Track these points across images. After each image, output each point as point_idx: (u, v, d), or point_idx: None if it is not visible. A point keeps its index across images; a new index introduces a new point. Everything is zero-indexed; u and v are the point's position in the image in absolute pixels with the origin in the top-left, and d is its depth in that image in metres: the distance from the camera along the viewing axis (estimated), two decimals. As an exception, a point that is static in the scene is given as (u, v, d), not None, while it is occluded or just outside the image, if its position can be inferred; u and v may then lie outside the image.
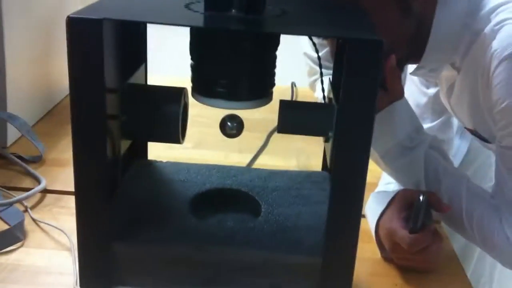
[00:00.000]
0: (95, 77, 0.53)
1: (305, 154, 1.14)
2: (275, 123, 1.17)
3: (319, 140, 1.17)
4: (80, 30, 0.51)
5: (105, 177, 0.56)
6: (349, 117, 0.51)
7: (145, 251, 0.59)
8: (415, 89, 1.03)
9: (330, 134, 0.58)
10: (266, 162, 1.03)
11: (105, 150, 0.55)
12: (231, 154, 1.10)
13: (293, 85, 1.42)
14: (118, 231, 0.59)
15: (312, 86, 1.35)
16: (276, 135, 1.23)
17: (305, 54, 1.32)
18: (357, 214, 0.54)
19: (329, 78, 0.67)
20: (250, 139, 1.16)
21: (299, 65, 1.38)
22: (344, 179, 0.53)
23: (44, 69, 1.19)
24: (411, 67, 0.92)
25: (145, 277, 0.60)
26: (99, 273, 0.58)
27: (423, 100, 1.02)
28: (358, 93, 0.51)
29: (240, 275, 0.60)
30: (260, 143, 1.15)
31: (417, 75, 0.92)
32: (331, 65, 1.30)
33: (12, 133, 1.06)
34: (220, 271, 0.60)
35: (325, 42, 1.23)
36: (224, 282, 0.60)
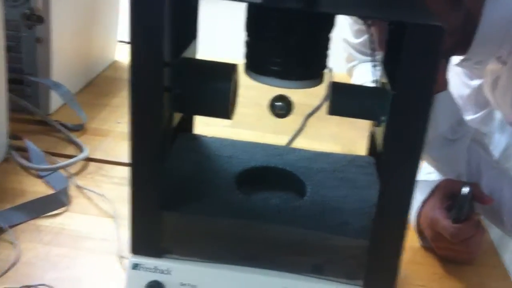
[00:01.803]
0: (155, 49, 0.54)
1: (341, 138, 1.15)
2: (312, 107, 1.19)
3: (354, 125, 1.18)
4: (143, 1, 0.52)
5: (159, 148, 0.57)
6: (407, 103, 0.52)
7: (192, 222, 0.61)
8: (458, 80, 1.02)
9: (383, 118, 0.58)
10: (303, 145, 1.04)
11: (161, 122, 0.56)
12: (267, 135, 1.11)
13: (330, 70, 1.42)
14: (167, 201, 0.60)
15: (350, 72, 1.35)
16: (312, 119, 1.24)
17: (345, 40, 1.31)
18: (408, 199, 0.55)
19: (382, 63, 0.67)
20: (286, 121, 1.16)
21: (336, 51, 1.38)
22: (397, 163, 0.54)
23: (86, 40, 1.20)
24: (455, 58, 0.92)
25: (191, 249, 0.61)
26: (149, 241, 0.60)
27: (466, 91, 1.02)
28: (417, 79, 0.51)
29: (284, 254, 0.61)
30: (296, 126, 1.16)
31: (462, 66, 0.92)
32: (368, 51, 1.30)
33: (55, 101, 1.08)
34: (263, 248, 0.61)
35: (364, 28, 1.23)
36: (266, 259, 0.61)
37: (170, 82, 0.59)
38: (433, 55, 0.51)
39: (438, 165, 0.87)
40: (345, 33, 1.30)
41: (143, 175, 0.58)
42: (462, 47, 0.84)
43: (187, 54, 0.66)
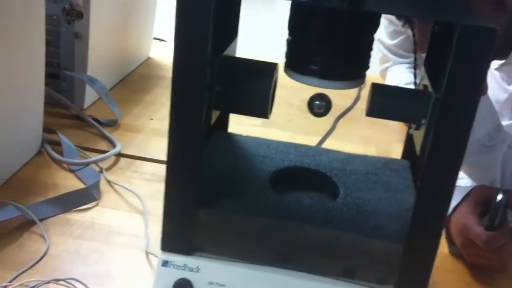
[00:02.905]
0: (199, 47, 0.53)
1: (373, 141, 1.13)
2: (343, 108, 1.17)
3: (386, 127, 1.16)
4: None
5: (197, 146, 0.57)
6: (452, 107, 0.50)
7: (225, 221, 0.60)
8: (495, 85, 1.00)
9: (423, 121, 0.57)
10: (333, 146, 1.03)
11: (201, 120, 0.56)
12: (298, 135, 1.10)
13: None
14: (201, 199, 0.60)
15: (383, 74, 1.33)
16: (343, 120, 1.23)
17: (379, 40, 1.30)
18: (446, 204, 0.53)
19: (423, 65, 0.66)
20: (316, 122, 1.15)
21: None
22: (437, 168, 0.52)
23: (123, 37, 1.21)
24: (495, 63, 0.90)
25: (221, 247, 0.61)
26: (181, 238, 0.59)
27: (504, 96, 0.99)
28: (465, 83, 0.49)
29: (315, 256, 0.60)
30: (326, 127, 1.15)
31: (502, 71, 0.90)
32: (404, 53, 1.28)
33: (89, 96, 1.09)
34: (294, 250, 0.60)
35: (402, 29, 1.21)
36: (298, 261, 0.60)
37: (211, 80, 0.58)
38: (484, 58, 0.49)
39: (471, 171, 0.84)
40: (380, 34, 1.29)
41: (180, 173, 0.57)
42: (503, 51, 0.82)
43: (228, 52, 0.65)
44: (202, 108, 0.55)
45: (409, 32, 1.03)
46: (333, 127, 1.18)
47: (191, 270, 0.59)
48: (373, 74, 1.42)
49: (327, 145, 1.06)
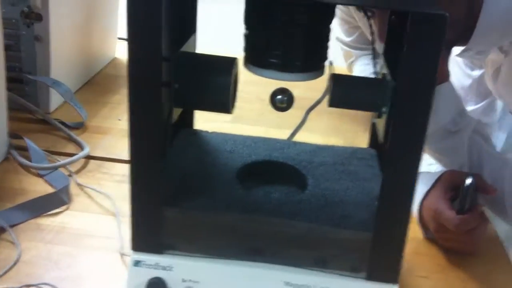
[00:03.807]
0: (152, 44, 0.53)
1: (343, 132, 1.14)
2: (313, 101, 1.18)
3: (356, 118, 1.17)
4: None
5: (159, 143, 0.57)
6: (408, 93, 0.51)
7: (194, 218, 0.60)
8: (459, 71, 1.02)
9: (384, 109, 0.58)
10: (305, 139, 1.04)
11: (160, 117, 0.56)
12: (270, 130, 1.10)
13: (331, 63, 1.42)
14: (168, 197, 0.60)
15: (349, 68, 1.35)
16: (313, 112, 1.24)
17: (337, 38, 1.31)
18: (411, 190, 0.54)
19: (382, 54, 0.67)
20: (287, 116, 1.16)
21: (335, 46, 1.37)
22: (400, 155, 0.53)
23: (86, 38, 1.20)
24: (457, 49, 0.91)
25: (193, 244, 0.61)
26: (150, 237, 0.59)
27: (467, 82, 1.01)
28: (419, 69, 0.50)
29: (286, 248, 0.60)
30: (297, 121, 1.15)
31: (463, 57, 0.91)
32: (364, 46, 1.29)
33: (55, 99, 1.08)
34: (265, 243, 0.61)
35: (356, 24, 1.23)
36: (269, 254, 0.60)
37: (169, 77, 0.58)
38: (436, 44, 0.50)
39: (439, 157, 0.86)
40: (337, 32, 1.30)
41: (143, 172, 0.57)
42: (463, 38, 0.83)
43: (186, 48, 0.65)
44: (160, 105, 0.55)
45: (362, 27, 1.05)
46: (304, 120, 1.19)
47: (163, 268, 0.59)
48: (340, 66, 1.45)
49: (298, 137, 1.07)
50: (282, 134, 1.04)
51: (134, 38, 0.53)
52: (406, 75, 0.51)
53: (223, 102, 0.61)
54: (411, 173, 0.54)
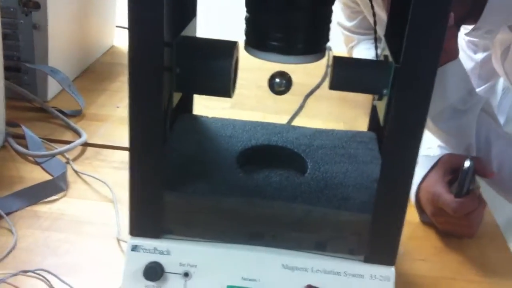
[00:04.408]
0: (154, 29, 0.52)
1: (343, 117, 1.14)
2: (311, 86, 1.17)
3: (356, 104, 1.17)
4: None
5: (159, 128, 0.56)
6: (411, 74, 0.50)
7: (192, 202, 0.60)
8: (462, 54, 1.00)
9: (385, 91, 0.57)
10: (304, 124, 1.03)
11: (161, 102, 0.55)
12: (268, 115, 1.10)
13: (328, 49, 1.41)
14: (168, 182, 0.59)
15: (350, 53, 1.34)
16: (312, 98, 1.23)
17: (339, 23, 1.30)
18: (410, 173, 0.53)
19: (384, 36, 0.66)
20: (286, 101, 1.15)
21: (336, 31, 1.37)
22: (399, 137, 0.52)
23: (84, 26, 1.19)
24: (465, 29, 0.90)
25: (191, 229, 0.60)
26: (148, 222, 0.59)
27: (470, 65, 1.00)
28: (422, 49, 0.49)
29: (286, 231, 0.60)
30: (296, 106, 1.15)
31: (472, 36, 0.90)
32: (366, 31, 1.29)
33: (53, 88, 1.07)
34: (265, 227, 0.60)
35: (358, 9, 1.21)
36: (268, 237, 0.60)
37: (170, 61, 0.57)
38: (439, 24, 0.49)
39: (447, 138, 0.85)
40: (339, 17, 1.29)
41: (143, 156, 0.57)
42: (473, 16, 0.82)
43: (186, 32, 0.64)
44: (161, 90, 0.54)
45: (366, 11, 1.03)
46: (302, 105, 1.18)
47: (161, 253, 0.58)
48: (340, 52, 1.44)
49: (296, 123, 1.06)
50: (280, 120, 1.03)
51: (136, 23, 0.52)
52: (409, 55, 0.50)
53: (224, 86, 0.60)
54: (410, 156, 0.53)
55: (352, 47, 1.30)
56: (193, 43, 0.62)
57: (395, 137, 0.53)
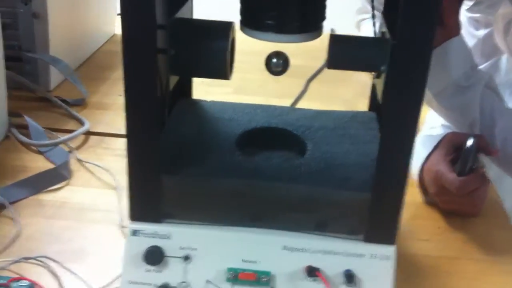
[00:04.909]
0: (145, 11, 0.52)
1: (345, 100, 1.13)
2: (314, 70, 1.15)
3: (359, 86, 1.16)
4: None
5: (156, 112, 0.56)
6: (407, 50, 0.50)
7: (192, 186, 0.60)
8: (464, 31, 0.99)
9: (383, 69, 0.56)
10: (306, 107, 1.03)
11: (156, 86, 0.54)
12: (271, 99, 1.09)
13: (332, 31, 1.40)
14: (167, 166, 0.59)
15: (358, 25, 1.31)
16: (315, 81, 1.22)
17: None
18: (408, 151, 0.53)
19: (382, 12, 0.65)
20: (289, 85, 1.15)
21: (339, 11, 1.34)
22: (397, 114, 0.52)
23: (85, 14, 1.19)
24: (465, 5, 0.88)
25: (191, 212, 0.60)
26: (148, 206, 0.58)
27: (472, 42, 0.98)
28: (417, 25, 0.48)
29: (286, 212, 0.59)
30: (298, 90, 1.14)
31: (473, 12, 0.89)
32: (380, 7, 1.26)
33: (55, 77, 1.07)
34: (265, 208, 0.60)
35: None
36: (269, 219, 0.60)
37: (165, 44, 0.57)
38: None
39: (450, 115, 0.84)
40: None
41: (139, 141, 0.56)
42: None
43: (182, 14, 0.64)
44: (155, 73, 0.53)
45: None
46: (305, 89, 1.18)
47: (161, 237, 0.58)
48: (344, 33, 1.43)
49: (300, 106, 1.06)
50: (282, 103, 1.03)
51: (127, 5, 0.51)
52: (405, 30, 0.49)
53: (221, 68, 0.60)
54: (409, 133, 0.52)
55: (363, 19, 1.27)
56: (188, 25, 0.62)
57: (392, 114, 0.53)
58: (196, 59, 0.59)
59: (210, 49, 0.59)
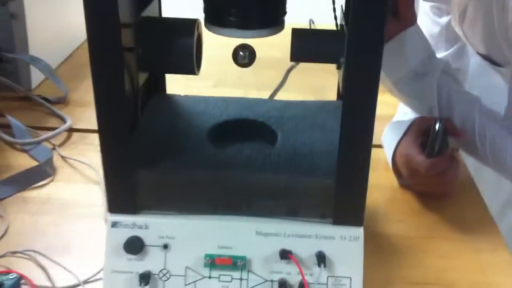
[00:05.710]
0: (108, 9, 0.53)
1: (325, 90, 1.15)
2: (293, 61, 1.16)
3: (336, 76, 1.18)
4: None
5: (126, 109, 0.58)
6: (357, 42, 0.52)
7: (167, 178, 0.62)
8: (427, 19, 1.02)
9: (342, 60, 0.59)
10: (284, 98, 1.05)
11: (123, 83, 0.57)
12: (250, 92, 1.12)
13: (311, 22, 1.43)
14: (140, 160, 0.62)
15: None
16: (294, 72, 1.25)
17: None
18: (367, 137, 0.56)
19: (342, 5, 0.68)
20: (268, 76, 1.18)
21: (318, 1, 1.37)
22: (354, 104, 0.55)
23: (63, 13, 1.20)
24: None
25: (169, 203, 0.63)
26: (125, 199, 0.61)
27: (436, 29, 1.01)
28: (366, 17, 0.51)
29: (259, 199, 0.62)
30: (277, 81, 1.17)
31: (429, 0, 0.92)
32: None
33: (36, 76, 1.09)
34: (239, 196, 0.63)
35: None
36: (242, 207, 0.62)
37: (133, 42, 0.59)
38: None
39: (411, 101, 0.87)
40: None
41: (111, 137, 0.59)
42: None
43: (148, 13, 0.66)
44: (121, 71, 0.56)
45: None
46: (284, 80, 1.20)
47: (140, 227, 0.61)
48: (322, 23, 1.44)
49: (279, 97, 1.08)
50: (262, 95, 1.06)
51: (90, 4, 0.53)
52: (354, 24, 0.52)
53: (188, 64, 0.62)
54: (367, 118, 0.55)
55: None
56: (154, 23, 0.64)
57: (350, 102, 0.55)
58: (163, 56, 0.62)
59: (176, 46, 0.61)
